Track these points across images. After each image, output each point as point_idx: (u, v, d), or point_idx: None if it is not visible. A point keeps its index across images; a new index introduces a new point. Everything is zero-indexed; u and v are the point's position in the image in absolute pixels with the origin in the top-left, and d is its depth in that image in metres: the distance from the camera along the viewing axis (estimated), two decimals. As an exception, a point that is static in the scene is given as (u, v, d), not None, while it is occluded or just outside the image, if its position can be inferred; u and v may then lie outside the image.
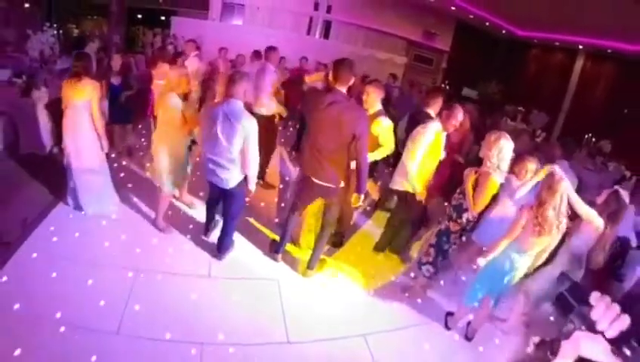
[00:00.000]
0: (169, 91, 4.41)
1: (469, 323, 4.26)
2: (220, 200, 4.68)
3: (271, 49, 6.45)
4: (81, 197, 4.99)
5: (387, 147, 5.02)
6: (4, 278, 3.80)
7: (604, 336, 1.04)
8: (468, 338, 4.23)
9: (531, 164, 4.46)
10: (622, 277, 5.15)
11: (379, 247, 5.37)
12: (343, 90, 4.05)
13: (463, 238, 4.56)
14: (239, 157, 4.12)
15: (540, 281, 4.20)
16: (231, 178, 4.22)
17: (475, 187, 4.20)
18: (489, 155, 4.09)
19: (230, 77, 4.28)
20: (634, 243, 5.59)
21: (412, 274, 4.98)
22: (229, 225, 4.59)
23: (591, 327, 1.08)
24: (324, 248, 4.81)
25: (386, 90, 5.45)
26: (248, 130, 3.98)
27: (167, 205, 5.03)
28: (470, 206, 4.22)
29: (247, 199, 4.70)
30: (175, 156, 4.67)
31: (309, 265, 4.68)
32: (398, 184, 4.84)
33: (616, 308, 1.10)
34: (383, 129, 4.91)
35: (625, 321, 1.05)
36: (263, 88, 6.11)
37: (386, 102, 6.34)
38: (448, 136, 4.83)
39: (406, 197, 4.86)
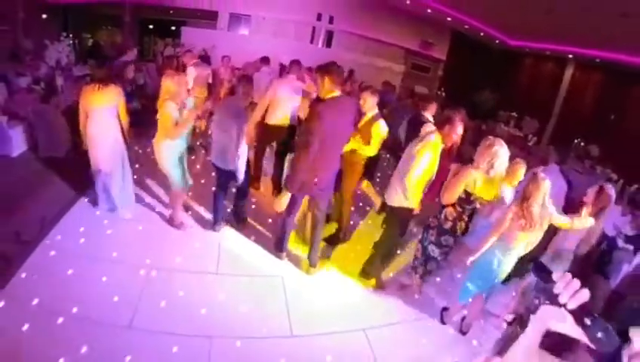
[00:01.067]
0: (168, 100, 4.34)
1: (463, 318, 4.27)
2: (227, 188, 5.11)
3: (293, 62, 6.47)
4: (101, 195, 5.02)
5: (375, 147, 5.03)
6: (24, 275, 3.84)
7: (567, 310, 1.10)
8: (462, 332, 4.24)
9: (522, 168, 4.46)
10: (608, 275, 5.17)
11: (365, 273, 4.96)
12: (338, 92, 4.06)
13: (442, 238, 4.29)
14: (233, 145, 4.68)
15: (528, 278, 4.21)
16: (229, 161, 4.75)
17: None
18: (480, 160, 3.95)
19: (238, 78, 5.22)
20: (621, 243, 5.61)
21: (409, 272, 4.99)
22: (241, 199, 5.30)
23: (554, 301, 1.13)
24: (320, 244, 4.80)
25: (380, 95, 5.49)
26: (238, 125, 4.59)
27: (181, 201, 5.07)
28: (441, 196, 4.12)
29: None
30: (173, 157, 4.63)
31: (311, 263, 4.70)
32: (394, 200, 4.45)
33: (577, 283, 1.16)
34: (379, 132, 4.95)
35: (584, 295, 1.10)
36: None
37: (381, 106, 6.38)
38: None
39: (398, 213, 4.52)
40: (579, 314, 1.09)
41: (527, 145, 12.99)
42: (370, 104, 5.02)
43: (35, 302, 3.54)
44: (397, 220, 4.61)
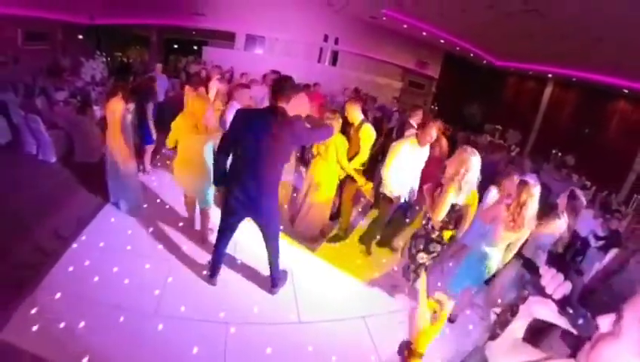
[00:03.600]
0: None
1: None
2: None
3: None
4: (113, 196, 5.12)
5: (363, 154, 4.89)
6: (62, 267, 3.91)
7: (552, 300, 1.17)
8: (451, 320, 4.24)
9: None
10: (582, 272, 5.20)
11: (362, 240, 5.32)
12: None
13: (430, 246, 4.07)
14: None
15: (508, 271, 4.22)
16: None
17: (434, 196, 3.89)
18: (458, 172, 3.66)
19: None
20: (593, 243, 5.64)
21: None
22: None
23: (541, 292, 1.20)
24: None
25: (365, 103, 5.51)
26: None
27: (210, 219, 4.79)
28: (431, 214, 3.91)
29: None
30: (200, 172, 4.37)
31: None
32: (381, 187, 4.86)
33: (561, 276, 1.21)
34: (368, 135, 4.83)
35: (567, 286, 1.18)
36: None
37: (381, 119, 6.43)
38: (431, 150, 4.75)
39: (382, 198, 4.91)
40: (562, 304, 1.15)
41: (510, 154, 13.03)
42: (354, 114, 4.91)
43: (73, 290, 3.60)
44: (381, 203, 5.05)
